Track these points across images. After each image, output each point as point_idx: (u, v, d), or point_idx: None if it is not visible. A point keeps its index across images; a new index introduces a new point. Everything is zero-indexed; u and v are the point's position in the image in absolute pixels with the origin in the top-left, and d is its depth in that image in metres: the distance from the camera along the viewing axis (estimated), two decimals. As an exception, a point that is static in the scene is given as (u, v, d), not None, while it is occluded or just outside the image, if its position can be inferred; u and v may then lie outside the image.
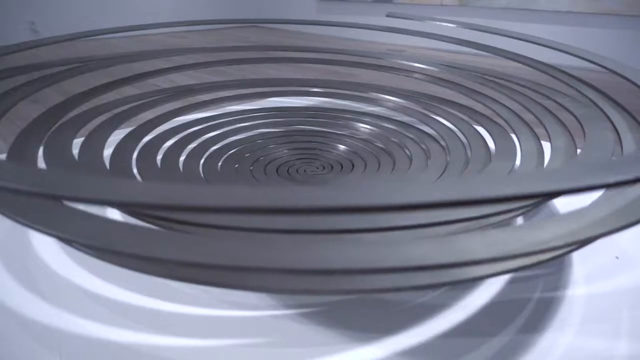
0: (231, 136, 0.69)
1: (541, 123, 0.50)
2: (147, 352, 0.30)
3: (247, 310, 0.34)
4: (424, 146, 0.63)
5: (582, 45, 0.55)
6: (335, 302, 0.35)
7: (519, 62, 0.60)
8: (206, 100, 0.76)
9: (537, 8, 2.32)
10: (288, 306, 0.35)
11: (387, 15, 0.77)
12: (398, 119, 0.72)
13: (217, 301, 0.35)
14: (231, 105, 0.82)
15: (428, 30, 0.70)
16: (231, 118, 0.74)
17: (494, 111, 0.59)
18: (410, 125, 0.69)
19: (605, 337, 0.31)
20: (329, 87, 0.82)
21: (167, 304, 0.35)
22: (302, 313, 0.34)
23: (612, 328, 0.32)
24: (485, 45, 0.65)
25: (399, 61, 0.77)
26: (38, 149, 0.44)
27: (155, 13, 2.96)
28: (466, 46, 0.66)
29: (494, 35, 0.64)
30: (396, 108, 0.75)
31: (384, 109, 0.76)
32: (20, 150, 0.42)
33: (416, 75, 0.76)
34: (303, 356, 0.30)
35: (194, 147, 0.63)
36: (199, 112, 0.73)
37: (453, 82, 0.70)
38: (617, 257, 0.41)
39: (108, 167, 0.47)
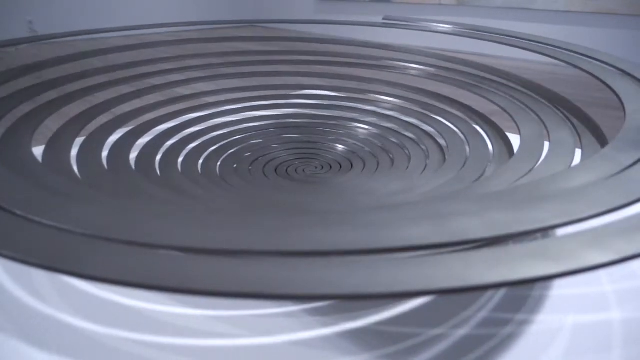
0: (230, 137, 0.69)
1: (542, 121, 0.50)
2: (145, 352, 0.30)
3: (239, 310, 0.34)
4: (423, 146, 0.63)
5: (579, 44, 0.55)
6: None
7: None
8: (208, 103, 0.76)
9: (535, 7, 2.32)
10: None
11: (384, 19, 0.78)
12: (397, 118, 0.72)
13: (209, 302, 0.35)
14: (228, 106, 0.82)
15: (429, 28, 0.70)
16: (229, 119, 0.74)
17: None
18: (409, 125, 0.69)
19: (600, 338, 0.32)
20: (328, 89, 0.83)
21: (162, 306, 0.35)
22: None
23: (606, 332, 0.32)
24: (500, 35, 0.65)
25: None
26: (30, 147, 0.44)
27: (152, 12, 2.96)
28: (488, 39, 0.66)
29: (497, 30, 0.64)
30: (394, 108, 0.75)
31: (382, 109, 0.77)
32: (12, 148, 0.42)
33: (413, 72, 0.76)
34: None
35: (193, 148, 0.64)
36: (196, 112, 0.73)
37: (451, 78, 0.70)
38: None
39: (106, 167, 0.48)
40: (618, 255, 0.15)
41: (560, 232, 0.38)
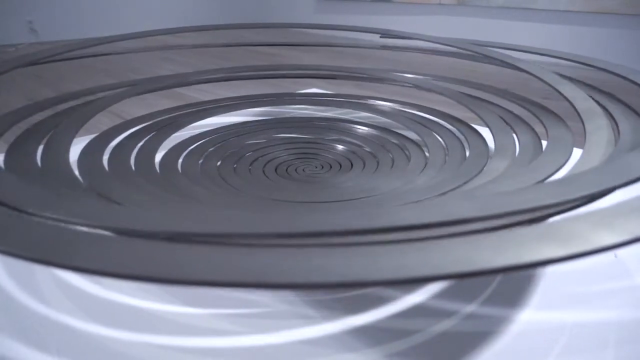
0: (229, 138, 0.69)
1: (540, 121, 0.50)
2: (144, 351, 0.30)
3: (233, 308, 0.34)
4: (425, 149, 0.63)
5: (581, 44, 0.55)
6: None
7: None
8: (206, 108, 0.76)
9: (536, 7, 2.32)
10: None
11: (381, 37, 0.78)
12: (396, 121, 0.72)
13: (211, 300, 0.35)
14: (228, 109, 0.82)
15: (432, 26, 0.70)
16: (229, 119, 0.74)
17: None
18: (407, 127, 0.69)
19: (596, 337, 0.31)
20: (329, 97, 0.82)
21: (160, 305, 0.35)
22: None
23: (602, 331, 0.32)
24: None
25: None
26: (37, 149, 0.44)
27: (151, 10, 2.95)
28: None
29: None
30: (393, 112, 0.75)
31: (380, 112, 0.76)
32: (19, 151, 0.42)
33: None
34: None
35: (193, 148, 0.64)
36: (196, 112, 0.73)
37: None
38: (615, 256, 0.41)
39: (107, 168, 0.47)
40: (630, 236, 0.15)
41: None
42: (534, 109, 0.54)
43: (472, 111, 0.59)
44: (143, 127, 0.62)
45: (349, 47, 0.83)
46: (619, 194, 0.29)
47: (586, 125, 0.38)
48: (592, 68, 0.48)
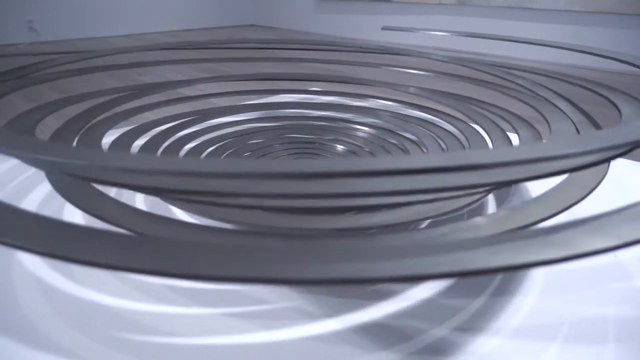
0: (229, 137, 0.69)
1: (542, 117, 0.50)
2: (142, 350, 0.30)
3: (246, 307, 0.34)
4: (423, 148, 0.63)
5: (580, 43, 0.55)
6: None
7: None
8: (207, 102, 0.76)
9: (536, 7, 2.32)
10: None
11: (383, 29, 0.78)
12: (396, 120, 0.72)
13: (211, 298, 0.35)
14: (228, 107, 0.82)
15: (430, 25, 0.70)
16: (229, 119, 0.74)
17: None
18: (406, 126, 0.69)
19: (596, 333, 0.32)
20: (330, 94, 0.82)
21: (160, 304, 0.35)
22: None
23: (600, 330, 0.32)
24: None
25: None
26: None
27: (152, 11, 2.95)
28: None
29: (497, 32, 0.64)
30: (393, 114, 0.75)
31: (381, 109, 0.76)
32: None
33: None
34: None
35: (192, 147, 0.63)
36: (195, 112, 0.73)
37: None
38: (615, 256, 0.41)
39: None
40: (620, 241, 0.15)
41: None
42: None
43: (468, 115, 0.60)
44: (141, 127, 0.62)
45: (348, 46, 0.83)
46: (610, 202, 0.29)
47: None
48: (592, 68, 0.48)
